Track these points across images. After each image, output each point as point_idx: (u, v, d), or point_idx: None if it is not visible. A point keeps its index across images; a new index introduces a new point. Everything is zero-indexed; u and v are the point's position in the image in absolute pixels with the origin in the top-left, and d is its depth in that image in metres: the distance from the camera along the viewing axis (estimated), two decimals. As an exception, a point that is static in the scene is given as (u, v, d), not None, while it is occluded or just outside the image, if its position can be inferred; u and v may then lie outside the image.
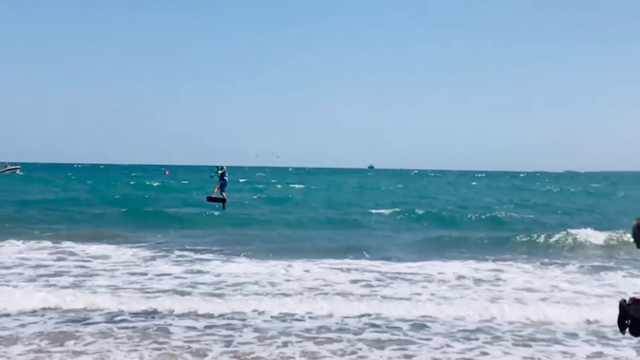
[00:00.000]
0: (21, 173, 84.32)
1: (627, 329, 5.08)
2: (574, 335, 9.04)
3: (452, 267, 14.61)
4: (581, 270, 14.66)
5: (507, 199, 46.17)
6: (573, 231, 20.20)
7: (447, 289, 12.11)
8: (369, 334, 8.98)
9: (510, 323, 9.69)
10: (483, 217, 27.94)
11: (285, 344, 8.37)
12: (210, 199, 27.33)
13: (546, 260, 16.14)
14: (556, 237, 19.72)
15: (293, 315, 9.95)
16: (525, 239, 19.61)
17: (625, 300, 5.13)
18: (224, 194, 26.61)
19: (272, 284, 12.32)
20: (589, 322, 9.61)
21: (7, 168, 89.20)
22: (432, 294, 11.60)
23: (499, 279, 13.36)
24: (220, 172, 26.46)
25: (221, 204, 26.61)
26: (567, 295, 11.58)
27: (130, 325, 9.19)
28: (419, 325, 9.48)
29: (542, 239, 19.57)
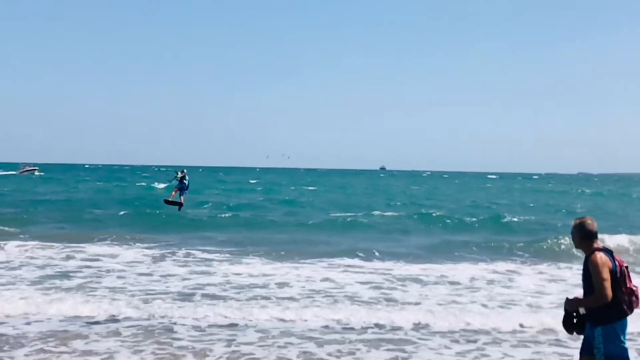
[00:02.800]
0: (39, 174, 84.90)
1: (575, 329, 5.31)
2: (576, 338, 8.84)
3: (464, 270, 14.54)
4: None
5: (523, 201, 45.69)
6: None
7: (457, 292, 12.02)
8: (371, 335, 8.95)
9: (519, 325, 9.57)
10: (497, 219, 27.60)
11: (285, 345, 8.35)
12: (167, 202, 27.36)
13: (560, 264, 15.90)
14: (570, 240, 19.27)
15: (299, 316, 9.89)
16: (539, 242, 19.30)
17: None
18: (182, 197, 26.62)
19: (280, 286, 12.27)
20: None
21: (25, 169, 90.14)
22: (442, 297, 11.51)
23: (511, 280, 13.22)
24: (179, 176, 26.51)
25: (177, 207, 26.60)
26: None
27: (135, 325, 9.21)
28: (423, 328, 9.41)
29: (556, 241, 19.15)
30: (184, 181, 26.26)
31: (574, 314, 5.29)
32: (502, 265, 15.27)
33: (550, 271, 14.66)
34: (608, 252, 5.20)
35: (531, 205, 40.76)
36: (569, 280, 13.46)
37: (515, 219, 27.68)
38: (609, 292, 4.98)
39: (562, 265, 15.65)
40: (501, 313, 10.19)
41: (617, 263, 5.13)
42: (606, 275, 5.01)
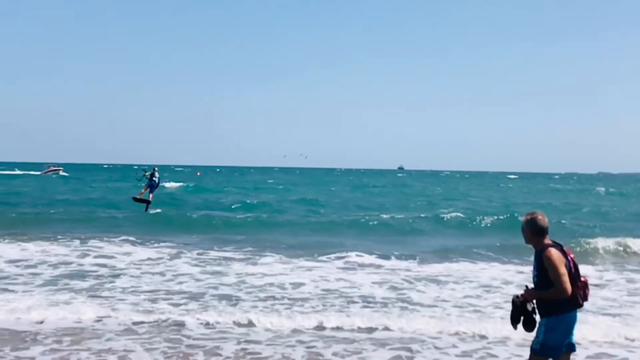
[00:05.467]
0: (64, 174, 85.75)
1: (521, 325, 5.37)
2: (581, 338, 8.60)
3: (482, 270, 14.50)
4: (616, 277, 13.97)
5: (543, 201, 45.07)
6: (618, 239, 19.17)
7: (473, 292, 11.91)
8: (380, 335, 8.92)
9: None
10: (516, 219, 27.09)
11: (294, 344, 8.36)
12: (135, 199, 27.42)
13: (580, 265, 15.43)
14: (595, 242, 18.59)
15: (311, 316, 9.82)
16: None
17: (518, 297, 5.42)
18: (150, 195, 26.65)
19: (295, 286, 12.26)
20: (608, 328, 9.18)
21: (50, 169, 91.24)
22: (457, 298, 11.41)
23: (530, 281, 12.87)
24: (148, 174, 26.54)
25: (145, 205, 26.65)
26: (592, 302, 10.98)
27: (148, 323, 9.27)
28: (432, 328, 9.27)
29: (577, 242, 18.65)
30: (154, 179, 26.33)
31: (521, 309, 5.32)
32: (520, 266, 15.01)
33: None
34: (559, 246, 5.26)
35: (552, 205, 40.12)
36: (589, 280, 13.09)
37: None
38: (569, 286, 5.07)
39: (581, 266, 15.22)
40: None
41: (569, 258, 5.22)
42: (563, 270, 5.09)
